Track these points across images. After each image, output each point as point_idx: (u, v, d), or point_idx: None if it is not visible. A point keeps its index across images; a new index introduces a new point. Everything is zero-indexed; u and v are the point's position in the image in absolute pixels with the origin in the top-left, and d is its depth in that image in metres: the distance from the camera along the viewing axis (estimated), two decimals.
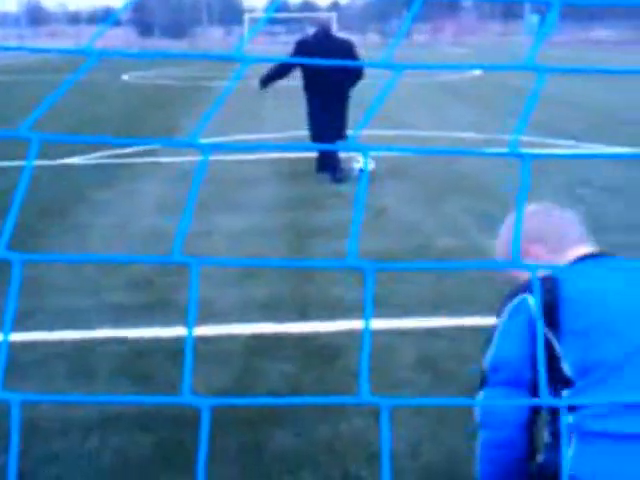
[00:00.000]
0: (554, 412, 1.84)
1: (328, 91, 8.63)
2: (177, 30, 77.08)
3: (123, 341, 4.46)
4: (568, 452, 1.70)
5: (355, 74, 8.57)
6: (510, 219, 2.22)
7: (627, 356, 1.76)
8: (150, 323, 4.69)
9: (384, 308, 4.58)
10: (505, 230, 2.20)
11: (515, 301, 1.95)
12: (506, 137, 10.65)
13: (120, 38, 38.11)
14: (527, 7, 70.61)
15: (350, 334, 4.45)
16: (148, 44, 57.42)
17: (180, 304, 4.91)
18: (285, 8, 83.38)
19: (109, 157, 10.36)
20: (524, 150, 0.75)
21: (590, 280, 1.90)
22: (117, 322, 4.71)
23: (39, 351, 4.33)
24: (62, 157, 10.06)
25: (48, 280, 5.38)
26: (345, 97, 8.80)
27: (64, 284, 5.38)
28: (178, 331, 4.51)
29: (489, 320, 2.06)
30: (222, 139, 11.33)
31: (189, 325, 0.77)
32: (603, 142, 10.87)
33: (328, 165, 8.83)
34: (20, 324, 4.39)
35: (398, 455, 3.19)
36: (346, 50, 8.59)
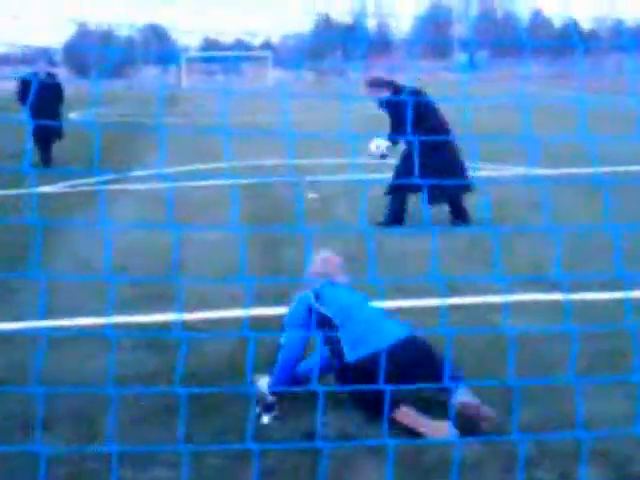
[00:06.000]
0: (328, 341, 4.18)
1: None
2: (114, 70, 77.60)
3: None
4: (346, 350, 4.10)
5: None
6: (316, 256, 4.63)
7: (352, 310, 4.27)
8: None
9: None
10: (314, 263, 4.63)
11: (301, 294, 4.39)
12: None
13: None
14: (455, 46, 73.21)
15: None
16: (86, 83, 57.82)
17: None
18: (218, 47, 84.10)
19: (80, 185, 11.26)
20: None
21: (332, 290, 4.42)
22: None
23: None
24: (36, 186, 10.91)
25: None
26: None
27: None
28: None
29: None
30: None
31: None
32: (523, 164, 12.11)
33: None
34: None
35: None
36: None
